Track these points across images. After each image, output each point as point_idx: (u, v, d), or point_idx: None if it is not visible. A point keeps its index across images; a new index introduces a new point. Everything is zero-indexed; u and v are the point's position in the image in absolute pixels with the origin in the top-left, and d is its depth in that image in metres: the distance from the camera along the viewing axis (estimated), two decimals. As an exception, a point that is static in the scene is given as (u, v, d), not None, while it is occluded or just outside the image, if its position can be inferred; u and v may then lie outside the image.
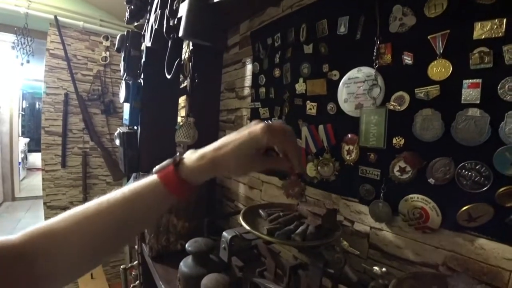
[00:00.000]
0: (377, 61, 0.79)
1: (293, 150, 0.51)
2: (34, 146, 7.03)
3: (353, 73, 0.85)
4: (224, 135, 1.36)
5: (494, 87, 0.61)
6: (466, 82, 0.65)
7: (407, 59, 0.74)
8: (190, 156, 0.50)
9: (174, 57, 0.98)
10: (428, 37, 0.70)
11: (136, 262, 1.38)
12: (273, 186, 1.14)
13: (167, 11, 0.85)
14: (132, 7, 1.24)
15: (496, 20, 0.61)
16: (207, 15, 0.62)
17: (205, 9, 0.60)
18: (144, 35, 1.26)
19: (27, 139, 6.51)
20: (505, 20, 0.60)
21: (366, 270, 0.72)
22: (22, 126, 6.82)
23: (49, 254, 0.41)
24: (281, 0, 1.10)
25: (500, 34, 0.60)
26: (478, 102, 0.63)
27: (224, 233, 0.84)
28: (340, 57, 0.89)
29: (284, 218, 0.81)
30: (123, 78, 1.33)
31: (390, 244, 0.77)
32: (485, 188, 0.62)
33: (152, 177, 0.49)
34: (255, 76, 1.21)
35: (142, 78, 1.26)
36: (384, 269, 0.60)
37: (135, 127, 1.30)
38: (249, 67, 1.26)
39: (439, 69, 0.69)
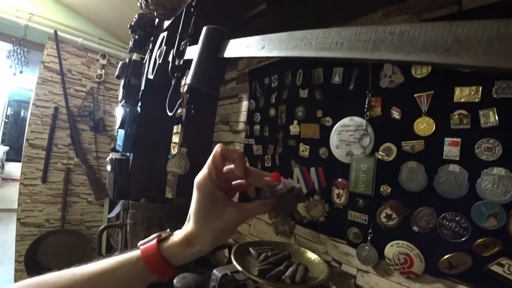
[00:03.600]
0: (368, 113, 0.86)
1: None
2: (13, 155, 6.71)
3: (345, 121, 0.92)
4: (216, 166, 1.39)
5: (472, 146, 0.68)
6: (448, 139, 0.72)
7: (395, 114, 0.81)
8: (176, 233, 0.45)
9: (177, 95, 1.02)
10: (415, 95, 0.78)
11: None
12: (262, 222, 1.16)
13: (173, 51, 0.90)
14: (136, 37, 1.29)
15: (473, 87, 0.69)
16: (214, 68, 0.67)
17: (213, 62, 0.65)
18: (144, 64, 1.30)
19: (7, 148, 6.23)
20: (481, 88, 0.68)
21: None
22: (3, 134, 6.55)
23: None
24: None
25: (477, 99, 0.68)
26: (457, 159, 0.70)
27: (214, 271, 0.85)
28: (334, 104, 0.96)
29: (274, 258, 0.83)
30: (121, 105, 1.35)
31: (376, 286, 0.79)
32: (464, 239, 0.67)
33: (136, 252, 0.43)
34: (250, 113, 1.26)
35: (140, 106, 1.28)
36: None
37: (128, 154, 1.30)
38: (244, 103, 1.32)
39: (424, 126, 0.76)
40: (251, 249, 0.89)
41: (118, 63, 2.66)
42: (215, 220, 0.42)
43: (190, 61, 0.77)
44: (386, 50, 0.28)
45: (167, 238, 0.44)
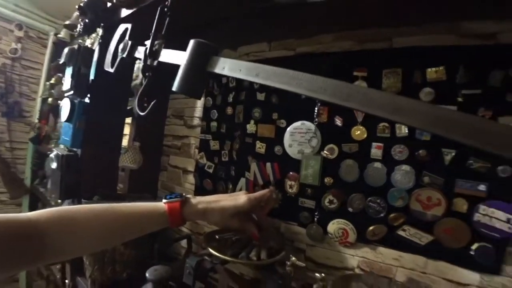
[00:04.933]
0: (316, 119, 1.06)
1: (264, 221, 0.67)
2: None
3: (297, 124, 1.10)
4: (168, 160, 1.43)
5: (389, 149, 0.94)
6: (374, 144, 0.97)
7: (338, 121, 1.03)
8: (191, 199, 0.62)
9: (148, 94, 1.02)
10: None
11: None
12: (220, 210, 1.28)
13: (146, 50, 0.91)
14: (87, 20, 1.20)
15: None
16: (201, 79, 0.75)
17: (201, 74, 0.74)
18: (93, 52, 1.23)
19: None
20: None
21: (308, 277, 0.95)
22: None
23: (63, 235, 0.50)
24: (237, 45, 1.28)
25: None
26: (380, 158, 0.96)
27: (187, 259, 0.93)
28: (288, 109, 1.13)
29: (241, 242, 0.97)
30: (67, 95, 1.25)
31: (321, 256, 1.03)
32: (382, 215, 0.94)
33: (160, 205, 0.59)
34: (207, 109, 1.34)
35: (89, 97, 1.22)
36: (323, 274, 0.84)
37: (75, 149, 1.23)
38: (201, 99, 1.38)
39: (359, 132, 0.99)
40: (217, 236, 1.01)
41: (38, 37, 2.30)
42: (229, 219, 0.61)
43: (163, 62, 0.84)
44: (354, 102, 0.44)
45: (187, 201, 0.61)
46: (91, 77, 1.22)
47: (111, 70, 1.10)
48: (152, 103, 0.97)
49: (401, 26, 0.95)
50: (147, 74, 0.96)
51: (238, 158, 1.23)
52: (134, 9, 1.11)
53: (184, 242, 1.30)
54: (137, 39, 0.98)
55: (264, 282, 0.91)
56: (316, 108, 1.06)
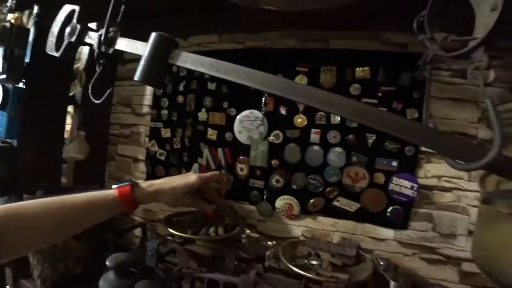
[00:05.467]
0: (264, 108, 1.18)
1: (218, 201, 0.66)
2: None
3: (246, 113, 1.20)
4: (116, 149, 1.41)
5: (325, 134, 1.11)
6: (313, 130, 1.12)
7: (283, 111, 1.16)
8: (141, 183, 0.62)
9: (102, 82, 0.98)
10: (294, 98, 1.14)
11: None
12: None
13: (101, 37, 0.89)
14: None
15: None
16: (163, 70, 0.79)
17: (163, 66, 0.78)
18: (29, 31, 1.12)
19: None
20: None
21: (262, 246, 1.08)
22: None
23: (11, 232, 0.50)
24: (188, 35, 1.31)
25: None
26: (318, 142, 1.12)
27: (148, 243, 0.98)
28: (237, 99, 1.22)
29: (197, 223, 1.05)
30: None
31: (271, 229, 1.17)
32: (320, 189, 1.11)
33: (111, 191, 0.58)
34: (157, 98, 1.35)
35: (25, 82, 1.12)
36: (274, 242, 0.97)
37: (10, 140, 1.13)
38: (149, 87, 1.37)
39: (300, 120, 1.14)
40: (175, 219, 1.07)
41: None
42: (181, 198, 0.62)
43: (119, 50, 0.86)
44: (298, 96, 0.57)
45: (137, 185, 0.60)
46: (27, 59, 1.13)
47: (56, 54, 1.04)
48: (108, 91, 0.96)
49: (336, 30, 1.11)
50: (101, 61, 0.95)
51: (190, 145, 1.28)
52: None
53: (137, 231, 1.31)
54: (86, 23, 0.95)
55: (222, 257, 1.01)
56: (263, 99, 1.18)
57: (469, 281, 1.02)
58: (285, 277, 0.91)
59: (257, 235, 0.99)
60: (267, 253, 0.97)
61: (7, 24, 1.10)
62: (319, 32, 1.13)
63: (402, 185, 1.06)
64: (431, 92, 1.04)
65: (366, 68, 1.08)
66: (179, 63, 0.75)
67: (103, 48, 0.90)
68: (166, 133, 1.34)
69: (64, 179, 1.36)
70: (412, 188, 1.04)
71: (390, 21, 1.02)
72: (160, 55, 0.74)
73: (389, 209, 1.07)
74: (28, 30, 1.13)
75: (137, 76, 0.76)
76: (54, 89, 1.22)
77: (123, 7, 0.90)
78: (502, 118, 0.71)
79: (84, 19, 0.96)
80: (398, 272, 0.84)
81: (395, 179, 1.06)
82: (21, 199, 1.06)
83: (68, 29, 1.00)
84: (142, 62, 0.75)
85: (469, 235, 1.02)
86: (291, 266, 0.85)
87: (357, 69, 1.08)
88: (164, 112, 1.34)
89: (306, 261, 0.90)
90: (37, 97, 1.16)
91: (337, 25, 1.08)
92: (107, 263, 0.92)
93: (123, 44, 0.86)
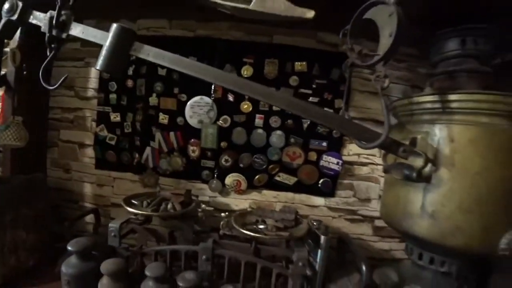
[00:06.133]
0: (213, 95, 1.28)
1: None
2: None
3: (196, 99, 1.29)
4: (59, 135, 1.37)
5: (268, 119, 1.27)
6: (257, 115, 1.27)
7: (230, 97, 1.28)
8: None
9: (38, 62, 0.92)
10: (241, 87, 1.26)
11: None
12: (126, 180, 1.36)
13: (52, 20, 0.87)
14: None
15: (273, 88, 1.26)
16: (125, 59, 0.84)
17: (124, 56, 0.83)
18: None
19: None
20: (275, 90, 1.26)
21: (216, 218, 1.21)
22: None
23: None
24: (137, 18, 1.31)
25: (271, 93, 1.26)
26: (262, 126, 1.28)
27: (111, 223, 1.02)
28: (188, 85, 1.29)
29: (155, 201, 1.13)
30: None
31: (222, 204, 1.31)
32: (264, 167, 1.28)
33: None
34: (104, 81, 1.32)
35: None
36: (227, 213, 1.12)
37: None
38: (95, 70, 1.33)
39: (246, 106, 1.27)
40: (133, 201, 1.13)
41: None
42: None
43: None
44: (246, 90, 0.72)
45: None
46: None
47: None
48: (64, 77, 0.96)
49: (279, 27, 1.25)
50: (53, 45, 0.93)
51: (142, 129, 1.32)
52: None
53: (88, 218, 1.32)
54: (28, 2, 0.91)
55: (180, 231, 1.12)
56: (213, 86, 1.27)
57: (380, 233, 1.33)
58: (238, 242, 1.06)
59: (211, 208, 1.11)
60: (221, 222, 1.10)
61: None
62: (265, 27, 1.25)
63: (330, 162, 1.28)
64: (354, 86, 1.27)
65: (304, 62, 1.25)
66: (141, 55, 0.82)
67: (54, 32, 0.89)
68: (115, 117, 1.34)
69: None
70: (338, 163, 1.28)
71: (325, 23, 1.21)
72: (122, 46, 0.80)
73: (320, 181, 1.29)
74: None
75: (99, 65, 0.80)
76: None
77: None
78: (390, 111, 0.95)
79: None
80: (328, 230, 1.07)
81: (325, 157, 1.28)
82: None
83: (6, 6, 0.94)
84: (104, 52, 0.80)
85: (379, 199, 1.30)
86: (242, 230, 1.00)
87: (296, 63, 1.25)
88: (113, 96, 1.33)
89: (254, 226, 1.06)
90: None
91: (281, 22, 1.22)
92: (69, 247, 0.93)
93: (79, 31, 0.87)
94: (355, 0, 0.79)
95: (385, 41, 0.73)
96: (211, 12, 1.22)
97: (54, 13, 0.86)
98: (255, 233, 0.99)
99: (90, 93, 1.37)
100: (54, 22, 0.87)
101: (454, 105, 0.85)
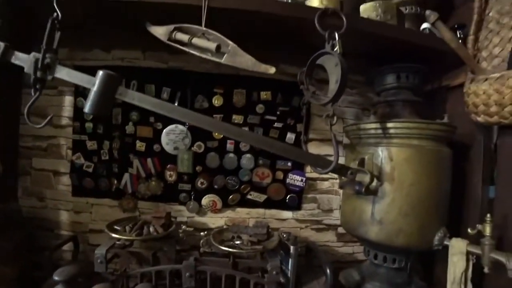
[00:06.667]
0: (187, 124, 1.38)
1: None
2: None
3: (172, 127, 1.38)
4: (31, 163, 1.39)
5: (238, 143, 1.40)
6: (228, 141, 1.40)
7: (204, 125, 1.39)
8: None
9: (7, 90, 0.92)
10: (213, 115, 1.38)
11: None
12: (105, 206, 1.41)
13: (38, 62, 0.91)
14: None
15: (241, 116, 1.39)
16: (110, 102, 0.93)
17: (110, 99, 0.91)
18: None
19: None
20: (243, 117, 1.39)
21: (195, 236, 1.31)
22: None
23: None
24: (111, 48, 1.38)
25: (242, 121, 1.40)
26: (232, 150, 1.41)
27: (97, 250, 1.07)
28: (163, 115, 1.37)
29: (137, 225, 1.20)
30: None
31: (199, 223, 1.42)
32: (237, 187, 1.42)
33: None
34: (79, 110, 1.35)
35: None
36: (206, 232, 1.23)
37: None
38: (68, 98, 1.37)
39: (217, 134, 1.39)
40: (115, 227, 1.19)
41: None
42: None
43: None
44: (218, 129, 0.86)
45: None
46: None
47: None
48: (49, 117, 1.01)
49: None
50: (37, 86, 0.97)
51: (119, 156, 1.38)
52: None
53: (66, 246, 1.31)
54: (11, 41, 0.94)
55: (162, 252, 1.20)
56: (187, 114, 1.38)
57: (343, 239, 1.53)
58: (217, 258, 1.17)
59: (191, 229, 1.21)
60: (201, 241, 1.21)
61: None
62: None
63: (295, 179, 1.45)
64: (313, 111, 1.45)
65: (269, 92, 1.41)
66: (127, 99, 0.92)
67: (39, 74, 0.94)
68: (92, 145, 1.38)
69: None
70: (302, 180, 1.45)
71: (286, 56, 1.38)
72: (108, 91, 0.89)
73: (288, 197, 1.46)
74: None
75: (87, 109, 0.88)
76: None
77: (58, 33, 0.95)
78: (337, 141, 1.14)
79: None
80: (297, 240, 1.22)
81: (290, 175, 1.45)
82: None
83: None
84: (91, 97, 0.88)
85: (340, 209, 1.49)
86: (221, 247, 1.12)
87: (262, 92, 1.41)
88: (89, 124, 1.37)
89: (231, 242, 1.18)
90: None
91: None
92: (56, 277, 0.93)
93: (64, 73, 0.94)
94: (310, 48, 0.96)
95: (333, 87, 0.91)
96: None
97: (38, 55, 0.91)
98: (232, 248, 1.12)
99: (65, 121, 1.39)
100: (39, 65, 0.92)
101: (391, 131, 1.07)
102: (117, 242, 1.14)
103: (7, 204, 1.22)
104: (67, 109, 1.39)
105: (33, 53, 0.93)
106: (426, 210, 1.03)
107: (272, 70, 0.94)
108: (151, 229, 1.18)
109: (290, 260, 1.19)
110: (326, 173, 0.95)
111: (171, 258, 1.16)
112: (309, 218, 1.51)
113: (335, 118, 0.90)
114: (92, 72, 0.86)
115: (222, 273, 1.10)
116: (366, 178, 1.00)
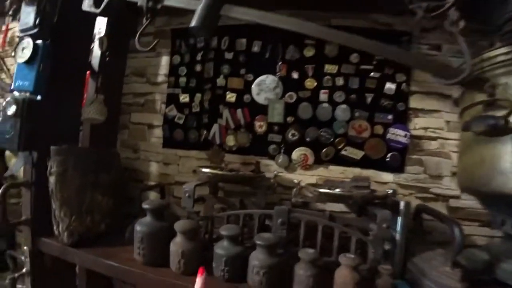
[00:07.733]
0: (278, 73, 1.34)
1: None
2: None
3: (262, 78, 1.35)
4: (129, 118, 1.45)
5: (332, 94, 1.29)
6: (322, 91, 1.31)
7: (295, 75, 1.33)
8: None
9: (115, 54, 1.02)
10: (305, 66, 1.32)
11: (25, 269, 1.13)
12: (192, 158, 1.40)
13: None
14: None
15: (335, 65, 1.30)
16: (216, 19, 0.93)
17: (216, 14, 0.92)
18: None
19: None
20: (337, 66, 1.30)
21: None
22: None
23: None
24: None
25: (335, 71, 1.30)
26: (327, 100, 1.30)
27: (185, 185, 1.01)
28: (254, 66, 1.37)
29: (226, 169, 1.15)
30: (28, 34, 1.13)
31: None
32: (331, 140, 1.29)
33: None
34: (175, 66, 1.44)
35: (52, 40, 1.15)
36: (300, 180, 1.11)
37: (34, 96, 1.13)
38: (165, 58, 1.46)
39: (310, 83, 1.32)
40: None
41: None
42: None
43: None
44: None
45: None
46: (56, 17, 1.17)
47: (96, 11, 1.11)
48: (155, 41, 1.06)
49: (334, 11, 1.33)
50: (148, 16, 1.04)
51: (209, 107, 1.39)
52: None
53: (152, 196, 1.35)
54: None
55: (250, 199, 1.12)
56: (277, 65, 1.34)
57: (455, 214, 1.23)
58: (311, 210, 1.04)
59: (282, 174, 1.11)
60: (293, 190, 1.09)
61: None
62: (322, 13, 1.32)
63: (397, 134, 1.27)
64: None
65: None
66: (232, 14, 0.92)
67: (150, 4, 1.01)
68: (184, 98, 1.42)
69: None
70: (405, 136, 1.26)
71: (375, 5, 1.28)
72: (214, 6, 0.89)
73: (388, 155, 1.27)
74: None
75: (194, 22, 0.88)
76: (76, 50, 1.26)
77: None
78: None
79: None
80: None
81: (392, 130, 1.27)
82: (44, 155, 1.07)
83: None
84: (198, 12, 0.88)
85: (452, 176, 1.25)
86: (320, 190, 0.98)
87: (357, 39, 1.31)
88: (182, 79, 1.43)
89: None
90: (62, 56, 1.19)
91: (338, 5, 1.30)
92: (146, 206, 0.94)
93: (172, 1, 0.98)
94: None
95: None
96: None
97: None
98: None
99: (161, 78, 1.47)
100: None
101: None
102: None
103: (109, 149, 1.30)
104: (164, 68, 1.48)
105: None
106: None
107: None
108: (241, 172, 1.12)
109: (399, 218, 0.98)
110: (455, 83, 0.78)
111: (261, 205, 1.06)
112: (414, 184, 1.27)
113: (462, 22, 0.74)
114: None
115: (320, 223, 0.95)
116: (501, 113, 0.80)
